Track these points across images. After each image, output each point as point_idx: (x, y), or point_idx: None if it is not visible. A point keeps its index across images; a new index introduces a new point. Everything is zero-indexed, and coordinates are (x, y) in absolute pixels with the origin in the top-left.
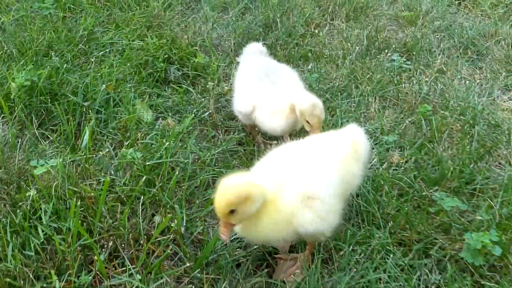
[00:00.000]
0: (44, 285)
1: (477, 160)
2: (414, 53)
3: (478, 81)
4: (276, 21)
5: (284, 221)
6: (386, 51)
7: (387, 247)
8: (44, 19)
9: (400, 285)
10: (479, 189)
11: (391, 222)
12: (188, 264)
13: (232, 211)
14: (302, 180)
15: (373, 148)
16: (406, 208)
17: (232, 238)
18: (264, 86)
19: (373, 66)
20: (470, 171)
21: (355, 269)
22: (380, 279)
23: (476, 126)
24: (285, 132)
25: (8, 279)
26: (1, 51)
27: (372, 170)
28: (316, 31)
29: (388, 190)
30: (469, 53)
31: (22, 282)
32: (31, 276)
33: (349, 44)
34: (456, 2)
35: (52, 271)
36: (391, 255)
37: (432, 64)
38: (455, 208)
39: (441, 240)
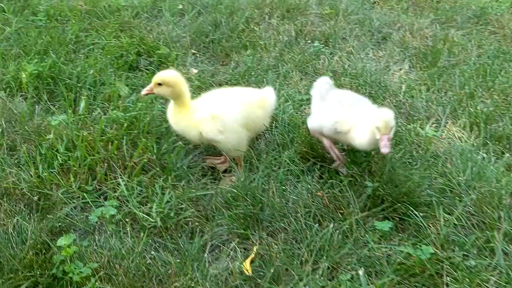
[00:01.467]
0: (64, 189)
1: None
2: (330, 40)
3: (379, 57)
4: (222, 21)
5: (195, 126)
6: (308, 40)
7: (293, 159)
8: (39, 28)
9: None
10: None
11: (297, 145)
12: (157, 169)
13: (159, 84)
14: (215, 104)
15: (292, 103)
16: (310, 138)
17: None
18: (347, 110)
19: (297, 51)
20: None
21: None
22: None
23: (366, 86)
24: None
25: (42, 187)
26: (11, 52)
27: (290, 116)
28: (255, 28)
29: (298, 127)
30: (375, 38)
31: (50, 188)
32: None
33: (280, 36)
34: (371, 1)
35: (72, 178)
36: (296, 165)
37: (343, 47)
38: None
39: (329, 155)
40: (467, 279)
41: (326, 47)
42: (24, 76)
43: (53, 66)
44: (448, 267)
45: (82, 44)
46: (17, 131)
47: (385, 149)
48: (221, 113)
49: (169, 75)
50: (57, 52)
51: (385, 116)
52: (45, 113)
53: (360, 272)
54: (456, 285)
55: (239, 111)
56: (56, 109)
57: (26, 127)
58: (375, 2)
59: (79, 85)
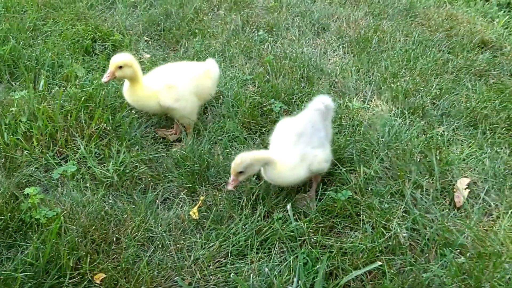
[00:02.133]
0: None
1: (300, 86)
2: (274, 30)
3: (318, 45)
4: (172, 11)
5: (152, 96)
6: (254, 29)
7: (236, 128)
8: None
9: (246, 144)
10: (298, 99)
11: (242, 116)
12: (112, 136)
13: (120, 67)
14: (168, 77)
15: (236, 81)
16: (252, 110)
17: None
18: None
19: (243, 38)
20: (293, 91)
21: (216, 138)
22: (233, 144)
23: (304, 68)
24: None
25: (7, 151)
26: None
27: (235, 93)
28: (203, 17)
29: (243, 102)
30: (315, 29)
31: (15, 152)
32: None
33: (227, 25)
34: None
35: (35, 143)
36: (240, 133)
37: (286, 36)
38: (283, 110)
39: (268, 125)
40: (380, 216)
41: (270, 36)
42: None
43: (13, 50)
44: (366, 208)
45: (40, 32)
46: None
47: (229, 186)
48: (175, 84)
49: (127, 57)
50: (17, 38)
51: (236, 160)
52: (7, 90)
53: (288, 206)
54: (370, 220)
55: (190, 81)
56: (17, 86)
57: None
58: None
59: (38, 66)
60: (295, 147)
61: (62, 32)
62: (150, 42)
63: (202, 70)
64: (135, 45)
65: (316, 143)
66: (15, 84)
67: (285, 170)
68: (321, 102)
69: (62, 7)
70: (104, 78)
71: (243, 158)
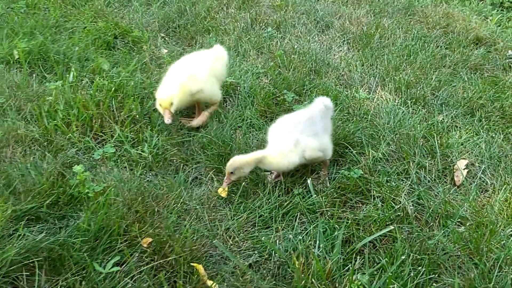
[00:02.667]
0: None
1: (309, 78)
2: (281, 27)
3: (323, 41)
4: (186, 9)
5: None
6: (263, 26)
7: (253, 116)
8: (21, 14)
9: (264, 131)
10: (308, 89)
11: (258, 105)
12: (143, 122)
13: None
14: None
15: (251, 74)
16: (267, 100)
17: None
18: None
19: (253, 34)
20: (304, 83)
21: (235, 125)
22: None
23: (312, 62)
24: None
25: (49, 136)
26: (1, 33)
27: (250, 84)
28: (215, 15)
29: (259, 92)
30: (320, 26)
31: (52, 136)
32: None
33: (237, 23)
34: None
35: (74, 128)
36: (257, 120)
37: (293, 32)
38: (295, 99)
39: (282, 113)
40: (388, 193)
41: (278, 32)
42: (16, 52)
43: (42, 45)
44: (375, 185)
45: (63, 28)
46: (20, 96)
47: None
48: (195, 72)
49: None
50: (43, 33)
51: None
52: (40, 82)
53: (308, 181)
54: (380, 195)
55: (206, 66)
56: (50, 78)
57: (26, 91)
58: None
59: (66, 60)
60: (290, 135)
61: (85, 28)
62: (166, 39)
63: (213, 56)
64: (153, 41)
65: (311, 132)
66: (47, 75)
67: (279, 156)
68: (321, 102)
69: (81, 5)
70: (167, 120)
71: (233, 161)
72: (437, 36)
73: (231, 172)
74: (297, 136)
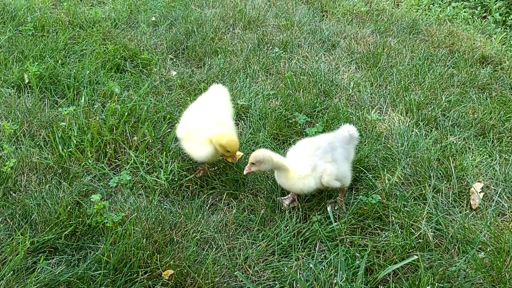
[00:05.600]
0: (83, 163)
1: (320, 99)
2: (288, 47)
3: (330, 61)
4: (194, 31)
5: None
6: (269, 46)
7: (266, 139)
8: (30, 37)
9: None
10: (319, 111)
11: (270, 128)
12: (157, 148)
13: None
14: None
15: (261, 97)
16: (279, 122)
17: None
18: None
19: (261, 55)
20: (314, 105)
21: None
22: None
23: (321, 83)
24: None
25: (63, 163)
26: (11, 56)
27: (261, 107)
28: (222, 36)
29: (270, 114)
30: (326, 45)
31: (67, 163)
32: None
33: (244, 43)
34: (321, 14)
35: (89, 154)
36: (270, 143)
37: (299, 53)
38: (306, 122)
39: (295, 136)
40: (406, 219)
41: (285, 53)
42: (26, 76)
43: (52, 69)
44: (392, 210)
45: (73, 51)
46: (32, 121)
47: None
48: (220, 120)
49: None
50: (52, 57)
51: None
52: (52, 107)
53: (328, 208)
54: (398, 222)
55: (226, 108)
56: (62, 103)
57: (39, 117)
58: (323, 15)
59: (76, 84)
60: (309, 159)
61: (94, 50)
62: (175, 60)
63: (222, 96)
64: (162, 63)
65: (330, 158)
66: (59, 100)
67: (295, 177)
68: (347, 130)
69: (89, 27)
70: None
71: (258, 153)
72: (443, 55)
73: (253, 163)
74: (315, 161)
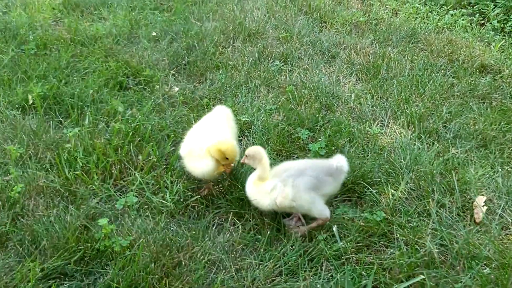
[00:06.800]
0: (90, 186)
1: (321, 113)
2: (289, 59)
3: (330, 73)
4: (194, 45)
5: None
6: (270, 60)
7: (270, 156)
8: (32, 56)
9: None
10: (321, 126)
11: (273, 143)
12: (162, 168)
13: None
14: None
15: (263, 111)
16: (281, 138)
17: None
18: None
19: (262, 69)
20: (317, 119)
21: None
22: None
23: (323, 97)
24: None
25: (69, 186)
26: (14, 77)
27: (263, 124)
28: (223, 50)
29: (273, 130)
30: (326, 57)
31: (74, 186)
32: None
33: (245, 57)
34: (320, 24)
35: (95, 176)
36: (274, 159)
37: (300, 65)
38: (309, 137)
39: (298, 151)
40: (411, 235)
41: (286, 65)
42: (30, 97)
43: (56, 88)
44: (397, 227)
45: (75, 69)
46: (38, 143)
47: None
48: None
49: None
50: (55, 76)
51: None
52: (56, 127)
53: (334, 228)
54: (403, 238)
55: (227, 127)
56: (66, 123)
57: (44, 139)
58: (322, 26)
59: (80, 103)
60: (273, 179)
61: (96, 68)
62: (176, 76)
63: (225, 116)
64: (165, 79)
65: (290, 183)
66: (63, 120)
67: (256, 190)
68: (336, 162)
69: (90, 43)
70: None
71: (253, 148)
72: (442, 64)
73: (247, 156)
74: (276, 182)
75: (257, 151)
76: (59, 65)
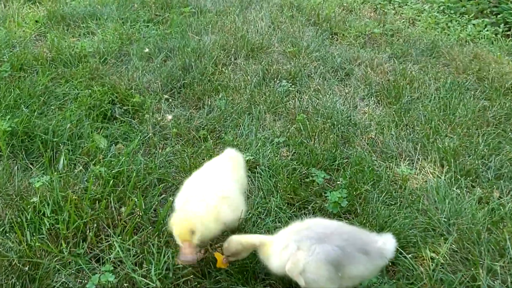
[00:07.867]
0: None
1: (339, 148)
2: (297, 79)
3: (345, 94)
4: (191, 64)
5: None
6: (276, 80)
7: (281, 207)
8: (4, 80)
9: None
10: (339, 164)
11: (282, 191)
12: (148, 227)
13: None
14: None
15: (270, 146)
16: (292, 182)
17: None
18: None
19: (267, 91)
20: (334, 156)
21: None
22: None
23: (339, 126)
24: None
25: (32, 256)
26: None
27: (269, 162)
28: (223, 69)
29: (281, 172)
30: (339, 75)
31: (40, 256)
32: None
33: (248, 76)
34: (330, 37)
35: (63, 244)
36: (284, 212)
37: (310, 85)
38: (325, 179)
39: (313, 199)
40: None
41: (294, 86)
42: None
43: (27, 121)
44: None
45: (54, 95)
46: None
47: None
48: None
49: None
50: (29, 105)
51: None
52: (24, 172)
53: None
54: None
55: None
56: (35, 168)
57: (5, 189)
58: (332, 38)
59: (55, 140)
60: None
61: (77, 95)
62: (170, 101)
63: (234, 163)
64: (156, 106)
65: (307, 247)
66: (32, 163)
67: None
68: (382, 242)
69: (74, 63)
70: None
71: (227, 246)
72: (470, 83)
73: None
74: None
75: (234, 242)
76: (34, 91)
